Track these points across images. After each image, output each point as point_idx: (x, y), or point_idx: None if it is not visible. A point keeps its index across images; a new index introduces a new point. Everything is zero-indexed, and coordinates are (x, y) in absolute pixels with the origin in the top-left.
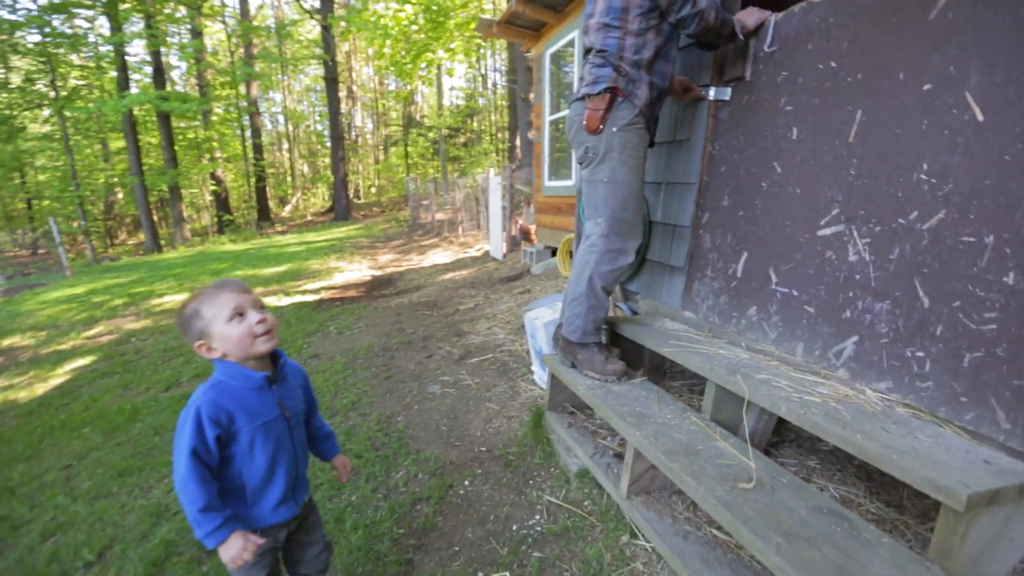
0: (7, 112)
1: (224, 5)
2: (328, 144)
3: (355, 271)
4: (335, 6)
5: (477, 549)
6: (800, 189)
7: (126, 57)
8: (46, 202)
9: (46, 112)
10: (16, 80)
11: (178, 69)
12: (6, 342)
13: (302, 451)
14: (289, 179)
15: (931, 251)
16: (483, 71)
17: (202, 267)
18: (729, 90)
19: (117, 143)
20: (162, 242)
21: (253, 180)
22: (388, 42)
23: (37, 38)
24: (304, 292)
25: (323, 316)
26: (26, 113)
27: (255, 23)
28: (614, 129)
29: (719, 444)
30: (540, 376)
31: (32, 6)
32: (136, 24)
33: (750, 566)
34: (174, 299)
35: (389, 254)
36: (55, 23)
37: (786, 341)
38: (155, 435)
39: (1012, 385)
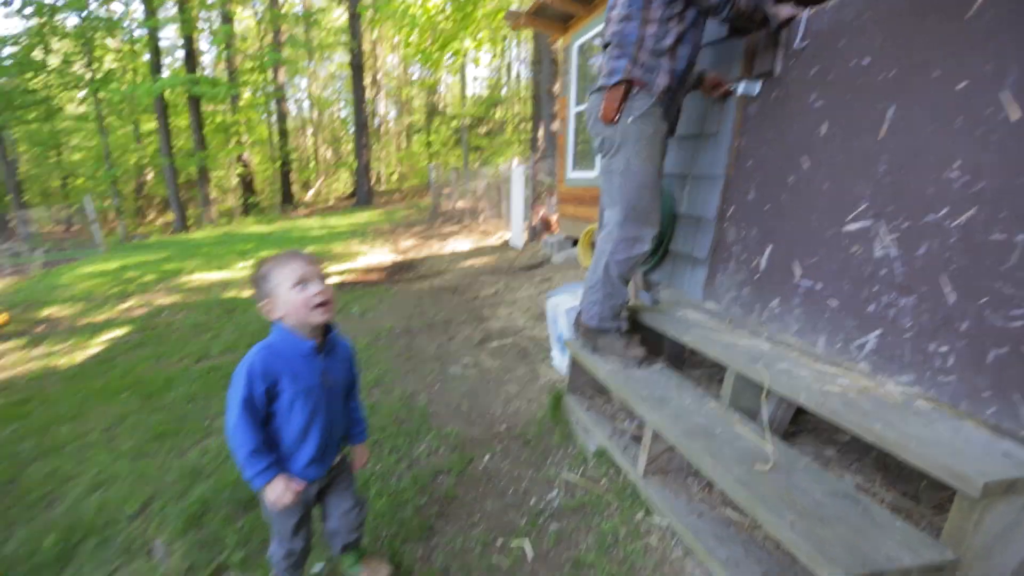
0: (45, 93)
1: None
2: (352, 131)
3: (377, 255)
4: None
5: (497, 519)
6: (828, 184)
7: (159, 41)
8: (80, 180)
9: (81, 93)
10: (54, 62)
11: (208, 54)
12: (46, 312)
13: (338, 420)
14: (312, 164)
15: (959, 248)
16: (507, 61)
17: (229, 247)
18: (759, 85)
19: (148, 125)
20: (190, 222)
21: (278, 164)
22: (415, 30)
23: (75, 21)
24: (327, 274)
25: (346, 298)
26: (63, 94)
27: (283, 10)
28: (629, 120)
29: (737, 429)
30: (559, 361)
31: None
32: (170, 9)
33: (763, 546)
34: (202, 277)
35: (410, 240)
36: (93, 6)
37: (808, 333)
38: (188, 403)
39: None
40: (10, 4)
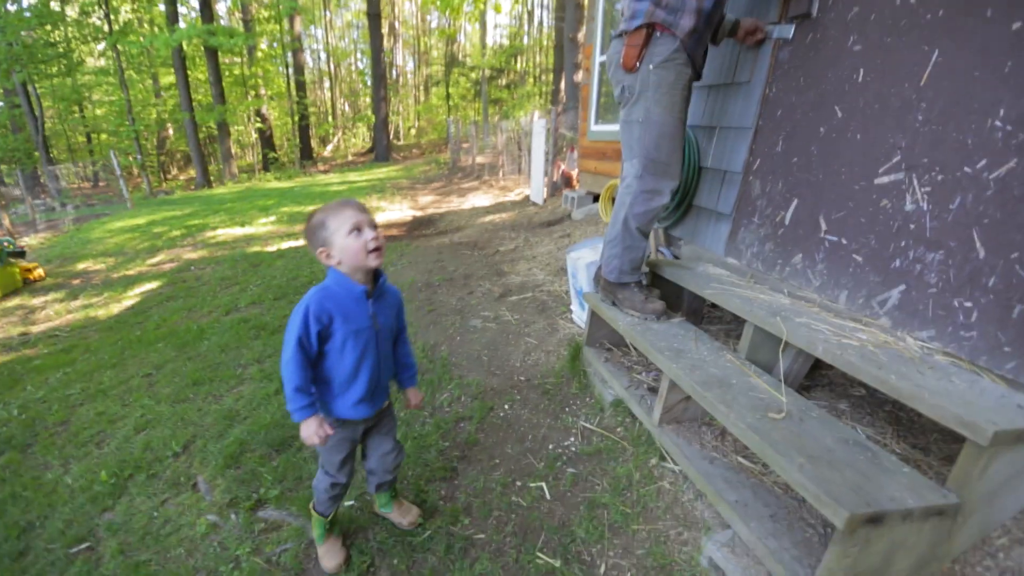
0: (64, 46)
1: None
2: (369, 83)
3: (396, 211)
4: None
5: (516, 462)
6: (860, 135)
7: None
8: (104, 136)
9: (100, 46)
10: (72, 13)
11: (224, 2)
12: (80, 266)
13: (385, 363)
14: (330, 118)
15: (995, 201)
16: (530, 7)
17: (251, 203)
18: (792, 27)
19: (166, 78)
20: (211, 178)
21: (296, 118)
22: None
23: None
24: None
25: None
26: (83, 48)
27: None
28: (651, 66)
29: (752, 380)
30: (578, 315)
31: None
32: None
33: (771, 490)
34: (227, 232)
35: (429, 195)
36: None
37: (830, 289)
38: (221, 352)
39: None
40: None
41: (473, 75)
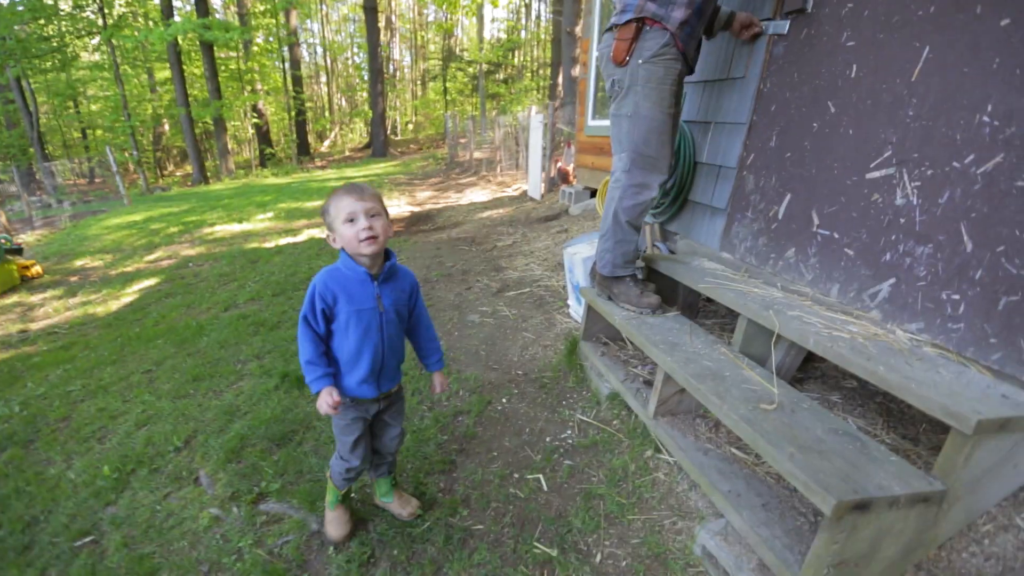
0: (58, 41)
1: None
2: (366, 77)
3: (394, 207)
4: None
5: (513, 455)
6: (853, 130)
7: None
8: (99, 132)
9: (94, 40)
10: (66, 7)
11: None
12: (78, 263)
13: (391, 345)
14: (327, 114)
15: (982, 196)
16: (527, 0)
17: (248, 199)
18: (787, 23)
19: (162, 73)
20: (208, 174)
21: (293, 113)
22: None
23: None
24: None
25: None
26: (77, 42)
27: None
28: (640, 61)
29: (746, 372)
30: (575, 310)
31: None
32: None
33: (764, 480)
34: (224, 228)
35: (427, 191)
36: None
37: (822, 282)
38: (220, 348)
39: None
40: None
41: (470, 69)
